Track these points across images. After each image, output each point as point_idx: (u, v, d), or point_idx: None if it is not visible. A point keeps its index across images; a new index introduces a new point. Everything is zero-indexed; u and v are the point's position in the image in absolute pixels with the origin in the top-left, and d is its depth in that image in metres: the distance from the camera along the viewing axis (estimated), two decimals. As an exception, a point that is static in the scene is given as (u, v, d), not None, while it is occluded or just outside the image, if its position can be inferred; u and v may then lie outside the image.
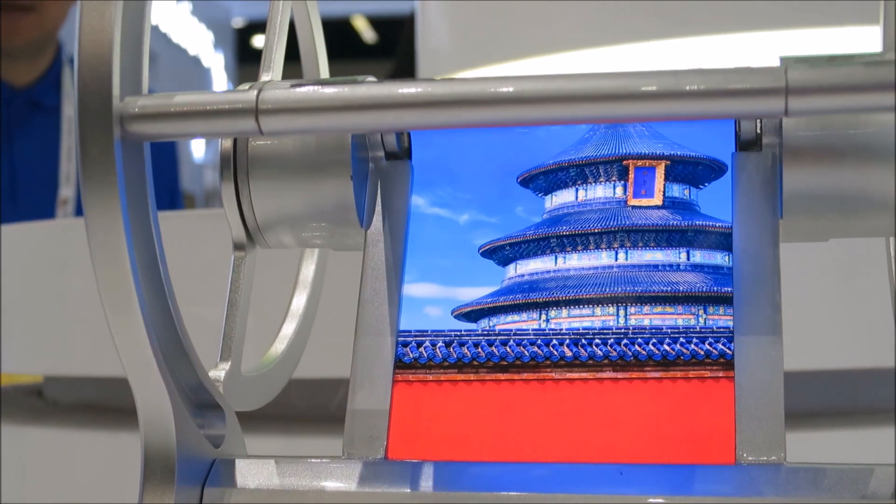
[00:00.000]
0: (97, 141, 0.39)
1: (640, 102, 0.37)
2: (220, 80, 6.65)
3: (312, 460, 0.46)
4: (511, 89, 0.38)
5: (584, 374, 0.46)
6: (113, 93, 0.39)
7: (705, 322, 0.46)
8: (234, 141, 0.50)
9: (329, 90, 0.39)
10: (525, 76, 0.38)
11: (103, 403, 1.10)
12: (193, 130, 0.40)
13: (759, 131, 0.47)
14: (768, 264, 0.46)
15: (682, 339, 0.45)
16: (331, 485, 0.45)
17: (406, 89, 0.39)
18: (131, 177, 0.40)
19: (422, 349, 0.48)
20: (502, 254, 0.49)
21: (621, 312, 0.47)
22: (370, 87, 0.39)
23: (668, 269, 0.47)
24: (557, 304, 0.47)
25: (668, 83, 0.37)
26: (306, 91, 0.40)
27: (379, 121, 0.40)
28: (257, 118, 0.40)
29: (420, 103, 0.39)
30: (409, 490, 0.45)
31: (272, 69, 0.55)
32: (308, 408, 0.84)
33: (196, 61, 6.24)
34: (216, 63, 6.61)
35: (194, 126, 0.40)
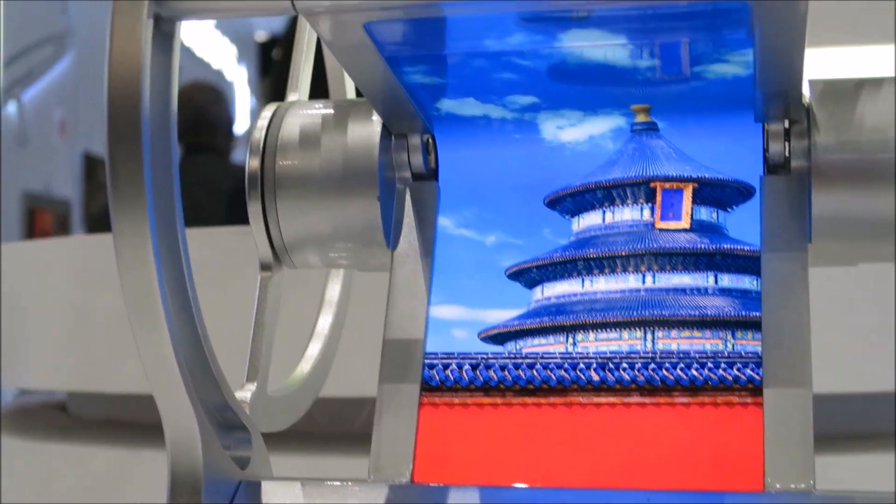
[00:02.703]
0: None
1: None
2: (243, 94, 6.67)
3: (338, 483, 0.46)
4: None
5: (611, 399, 0.46)
6: None
7: (733, 347, 0.45)
8: (262, 161, 0.50)
9: None
10: None
11: (126, 420, 1.10)
12: (227, 7, 0.41)
13: (787, 154, 0.47)
14: (797, 289, 0.46)
15: (710, 364, 0.45)
16: (356, 508, 0.45)
17: None
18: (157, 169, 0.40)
19: (448, 372, 0.47)
20: (529, 276, 0.49)
21: (649, 336, 0.46)
22: None
23: (696, 292, 0.47)
24: (584, 327, 0.47)
25: None
26: None
27: None
28: None
29: None
30: None
31: (299, 88, 0.56)
32: (333, 426, 0.84)
33: (219, 75, 6.26)
34: (239, 77, 6.64)
35: (228, 4, 0.41)
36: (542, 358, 0.47)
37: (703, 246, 0.48)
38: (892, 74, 0.46)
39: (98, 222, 4.03)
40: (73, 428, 1.15)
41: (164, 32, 0.40)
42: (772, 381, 0.44)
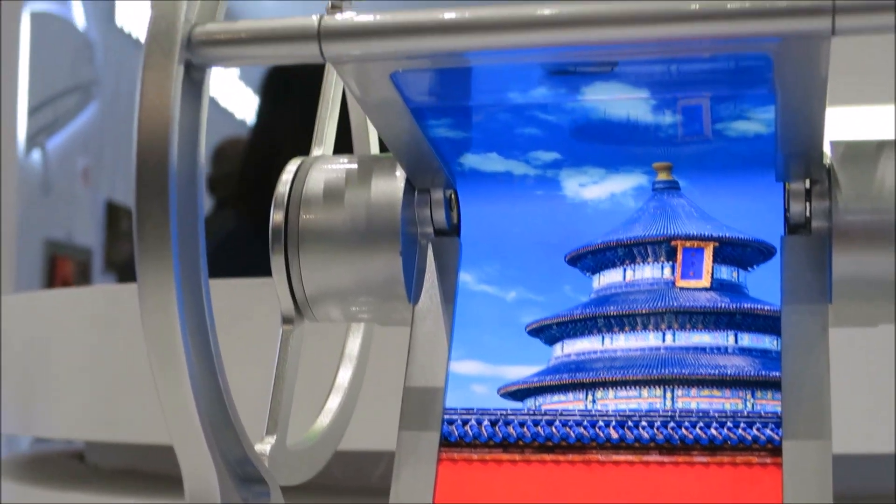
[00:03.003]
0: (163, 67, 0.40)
1: (686, 23, 0.38)
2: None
3: (356, 537, 0.46)
4: (558, 12, 0.39)
5: (629, 457, 0.45)
6: (180, 18, 0.40)
7: (753, 406, 0.45)
8: (286, 215, 0.50)
9: (389, 17, 0.40)
10: (568, 1, 0.39)
11: (145, 470, 1.10)
12: (256, 55, 0.41)
13: (808, 214, 0.47)
14: (817, 349, 0.46)
15: (729, 424, 0.45)
16: (374, 562, 0.45)
17: (465, 14, 0.40)
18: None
19: (467, 427, 0.47)
20: (549, 333, 0.49)
21: (668, 395, 0.46)
22: (429, 13, 0.40)
23: (715, 351, 0.47)
24: (604, 384, 0.47)
25: (716, 3, 0.38)
26: (367, 19, 0.40)
27: (439, 45, 0.40)
28: (320, 43, 0.40)
29: (478, 26, 0.39)
30: None
31: (324, 143, 0.56)
32: (351, 479, 0.84)
33: (243, 125, 6.31)
34: (262, 127, 6.69)
35: (256, 51, 0.41)
36: (561, 415, 0.47)
37: (723, 305, 0.48)
38: (914, 136, 0.46)
39: (120, 269, 4.05)
40: (90, 477, 1.15)
41: (194, 79, 0.41)
42: (791, 441, 0.44)
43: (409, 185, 0.51)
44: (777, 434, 0.44)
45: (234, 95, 6.04)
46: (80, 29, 4.10)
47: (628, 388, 0.47)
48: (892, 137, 0.47)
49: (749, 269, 0.49)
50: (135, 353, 0.95)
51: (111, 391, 1.05)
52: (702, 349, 0.47)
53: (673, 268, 0.49)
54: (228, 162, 2.15)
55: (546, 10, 0.39)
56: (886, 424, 0.81)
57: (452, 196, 0.52)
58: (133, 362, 1.01)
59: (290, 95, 1.60)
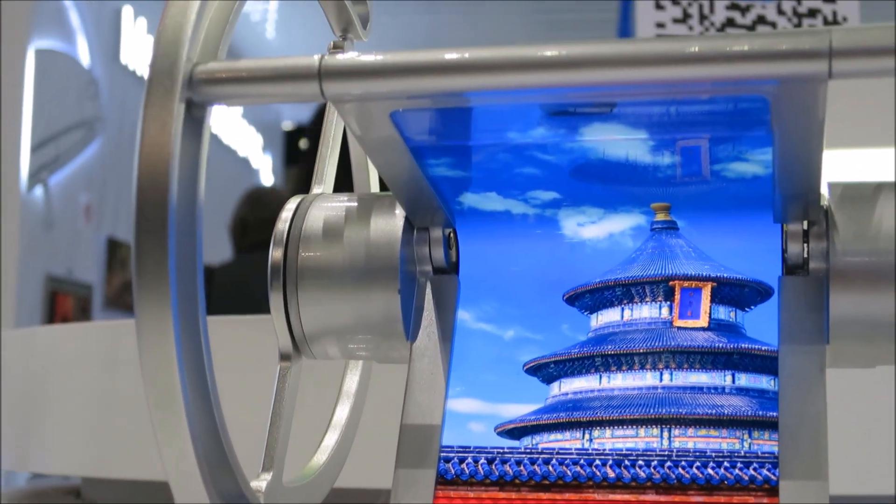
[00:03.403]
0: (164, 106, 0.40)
1: (685, 65, 0.38)
2: (267, 182, 6.73)
3: (351, 575, 0.45)
4: (558, 53, 0.39)
5: (626, 497, 0.45)
6: (182, 57, 0.40)
7: (750, 446, 0.45)
8: (285, 252, 0.50)
9: (389, 57, 0.40)
10: (567, 43, 0.39)
11: (141, 505, 1.10)
12: (257, 93, 0.42)
13: (806, 255, 0.48)
14: (814, 389, 0.46)
15: (726, 464, 0.45)
16: None
17: (459, 54, 0.40)
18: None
19: (464, 465, 0.47)
20: (547, 371, 0.49)
21: (665, 434, 0.46)
22: (428, 54, 0.40)
23: (712, 391, 0.47)
24: (601, 423, 0.47)
25: (714, 46, 0.38)
26: (367, 59, 0.41)
27: (438, 85, 0.40)
28: (320, 82, 0.40)
29: (478, 67, 0.40)
30: None
31: (324, 181, 0.56)
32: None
33: (245, 162, 6.32)
34: (264, 165, 6.70)
35: (257, 89, 0.41)
36: (558, 453, 0.47)
37: (720, 345, 0.48)
38: (910, 179, 0.47)
39: (116, 302, 4.04)
40: (87, 513, 1.15)
41: (195, 117, 0.41)
42: (788, 481, 0.44)
43: (409, 224, 0.51)
44: (774, 474, 0.44)
45: (237, 132, 6.07)
46: (85, 66, 4.12)
47: (625, 427, 0.47)
48: (891, 179, 0.47)
49: (747, 309, 0.49)
50: (133, 390, 0.95)
51: (108, 427, 1.04)
52: (699, 389, 0.47)
53: (671, 307, 0.49)
54: (267, 208, 2.15)
55: (546, 52, 0.39)
56: (887, 467, 0.81)
57: (451, 235, 0.52)
58: (131, 399, 1.01)
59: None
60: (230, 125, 5.96)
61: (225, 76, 0.41)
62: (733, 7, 1.66)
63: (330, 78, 0.41)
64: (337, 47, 0.52)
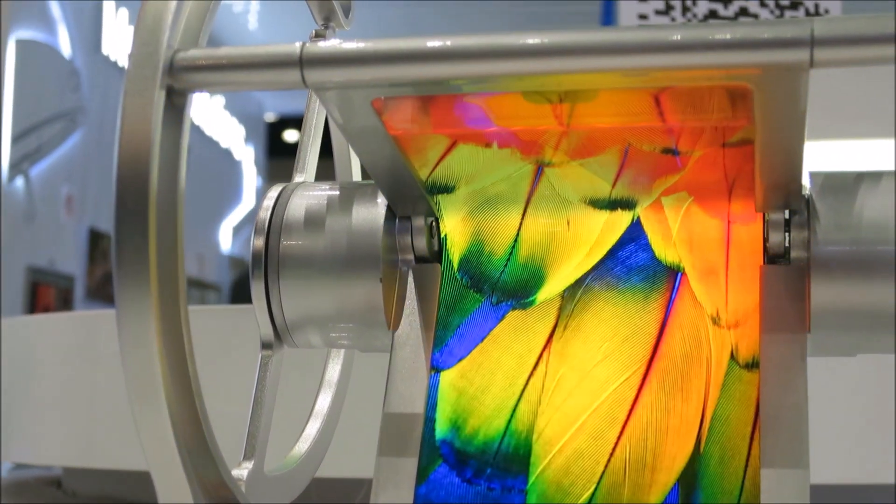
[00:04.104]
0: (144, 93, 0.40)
1: (668, 53, 0.38)
2: (250, 173, 6.71)
3: (333, 564, 0.45)
4: (540, 41, 0.39)
5: None
6: (162, 44, 0.40)
7: None
8: (266, 241, 0.50)
9: (371, 45, 0.40)
10: (549, 31, 0.39)
11: (121, 497, 1.09)
12: (237, 80, 0.41)
13: (787, 244, 0.48)
14: (795, 376, 0.46)
15: None
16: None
17: (441, 42, 0.40)
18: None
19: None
20: None
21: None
22: (410, 42, 0.40)
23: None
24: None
25: (697, 34, 0.38)
26: (348, 46, 0.41)
27: (420, 73, 0.40)
28: (302, 70, 0.40)
29: (456, 55, 0.40)
30: None
31: (306, 170, 0.56)
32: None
33: (227, 154, 6.30)
34: (247, 156, 6.68)
35: (238, 77, 0.41)
36: (540, 442, 0.47)
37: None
38: (892, 168, 0.47)
39: (98, 293, 4.02)
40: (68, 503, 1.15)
41: (176, 105, 0.41)
42: (769, 469, 0.44)
43: (391, 212, 0.51)
44: None
45: (220, 124, 6.05)
46: (66, 57, 4.10)
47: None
48: (871, 169, 0.47)
49: None
50: (114, 380, 0.95)
51: (90, 417, 1.04)
52: None
53: None
54: None
55: (528, 40, 0.39)
56: (870, 455, 0.81)
57: (433, 223, 0.52)
58: (112, 389, 1.00)
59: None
60: (212, 116, 5.94)
61: (205, 63, 0.41)
62: (716, -2, 1.66)
63: (311, 65, 0.40)
64: (319, 36, 0.52)
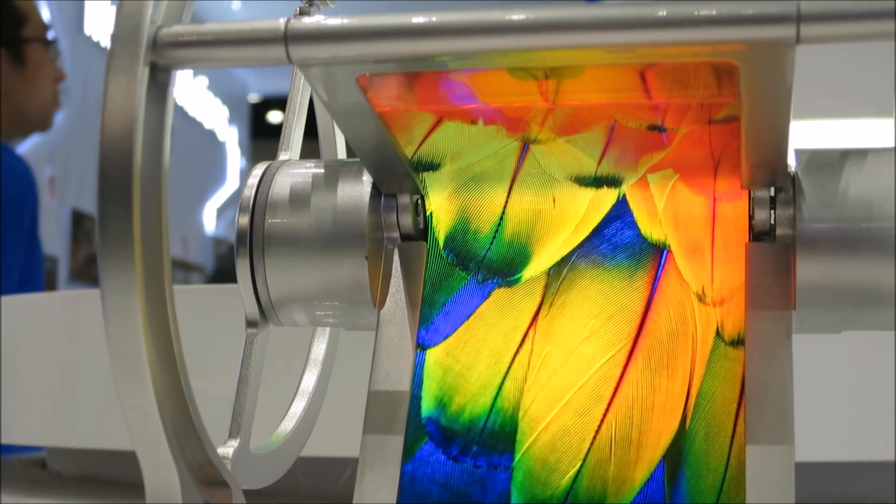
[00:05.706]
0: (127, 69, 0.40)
1: (653, 29, 0.38)
2: (234, 155, 6.70)
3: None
4: (525, 17, 0.39)
5: None
6: (146, 19, 0.40)
7: None
8: (251, 219, 0.50)
9: (356, 20, 0.40)
10: (536, 7, 0.39)
11: (107, 477, 1.09)
12: (222, 57, 0.41)
13: (773, 222, 0.48)
14: (781, 354, 0.46)
15: None
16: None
17: (426, 18, 0.39)
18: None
19: (432, 432, 0.47)
20: None
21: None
22: (396, 17, 0.40)
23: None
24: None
25: (682, 10, 0.38)
26: (334, 22, 0.40)
27: (406, 49, 0.40)
28: (286, 46, 0.40)
29: (442, 31, 0.39)
30: None
31: (291, 148, 0.56)
32: (315, 485, 0.84)
33: (211, 135, 6.30)
34: (231, 137, 6.67)
35: (222, 53, 0.41)
36: (526, 420, 0.47)
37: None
38: (877, 146, 0.47)
39: (82, 275, 4.01)
40: (52, 484, 1.14)
41: (160, 82, 0.41)
42: (754, 446, 0.44)
43: (376, 190, 0.51)
44: None
45: (203, 104, 6.03)
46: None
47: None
48: (857, 146, 0.47)
49: None
50: (99, 359, 0.95)
51: (74, 397, 1.04)
52: None
53: None
54: None
55: (514, 16, 0.39)
56: (851, 431, 0.81)
57: (419, 201, 0.52)
58: (97, 368, 1.00)
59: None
60: (196, 97, 5.92)
61: (189, 39, 0.41)
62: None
63: (296, 41, 0.40)
64: (303, 13, 0.52)
